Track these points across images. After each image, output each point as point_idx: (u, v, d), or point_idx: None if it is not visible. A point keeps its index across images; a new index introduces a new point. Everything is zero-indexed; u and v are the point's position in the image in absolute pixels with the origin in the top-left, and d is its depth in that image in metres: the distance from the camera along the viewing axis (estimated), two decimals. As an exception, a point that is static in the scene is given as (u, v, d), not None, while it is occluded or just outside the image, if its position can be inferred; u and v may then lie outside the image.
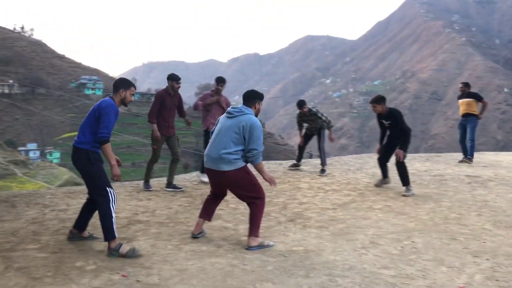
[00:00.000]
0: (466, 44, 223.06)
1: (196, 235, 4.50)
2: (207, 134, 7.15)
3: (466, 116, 9.97)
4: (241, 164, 4.16)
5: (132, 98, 4.16)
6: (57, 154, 71.75)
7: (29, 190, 7.61)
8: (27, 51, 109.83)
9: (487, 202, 6.18)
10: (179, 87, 6.84)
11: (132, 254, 3.85)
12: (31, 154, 67.42)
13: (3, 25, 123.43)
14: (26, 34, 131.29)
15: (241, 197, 4.33)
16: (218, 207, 5.40)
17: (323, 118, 8.28)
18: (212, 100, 7.23)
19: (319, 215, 5.44)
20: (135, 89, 4.20)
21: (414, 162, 9.60)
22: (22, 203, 5.92)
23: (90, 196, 4.16)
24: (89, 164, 3.94)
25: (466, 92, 10.06)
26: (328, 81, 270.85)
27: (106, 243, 3.94)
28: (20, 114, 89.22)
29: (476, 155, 10.66)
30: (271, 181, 4.24)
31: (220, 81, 7.28)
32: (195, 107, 7.25)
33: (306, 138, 8.63)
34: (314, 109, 8.32)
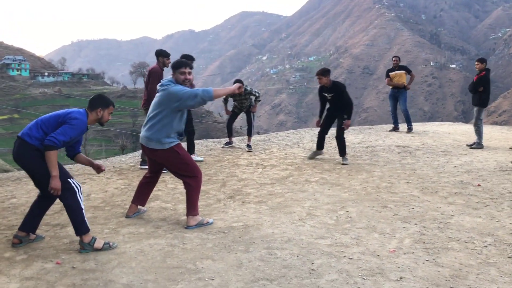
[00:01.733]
0: (395, 20, 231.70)
1: (130, 216, 4.46)
2: None
3: (398, 87, 10.44)
4: (170, 144, 4.09)
5: (110, 117, 3.85)
6: (-20, 141, 67.13)
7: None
8: None
9: (415, 170, 6.54)
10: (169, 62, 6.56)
11: (109, 248, 3.63)
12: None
13: None
14: None
15: (173, 173, 4.30)
16: (156, 188, 5.34)
17: (254, 93, 8.43)
18: None
19: (257, 191, 5.51)
20: (114, 107, 3.89)
21: (348, 135, 9.93)
22: None
23: (42, 193, 3.76)
24: (40, 161, 3.53)
25: (398, 64, 10.53)
26: (264, 57, 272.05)
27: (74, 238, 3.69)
28: None
29: (404, 125, 11.22)
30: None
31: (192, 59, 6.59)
32: None
33: (233, 117, 8.69)
34: (248, 88, 8.41)
